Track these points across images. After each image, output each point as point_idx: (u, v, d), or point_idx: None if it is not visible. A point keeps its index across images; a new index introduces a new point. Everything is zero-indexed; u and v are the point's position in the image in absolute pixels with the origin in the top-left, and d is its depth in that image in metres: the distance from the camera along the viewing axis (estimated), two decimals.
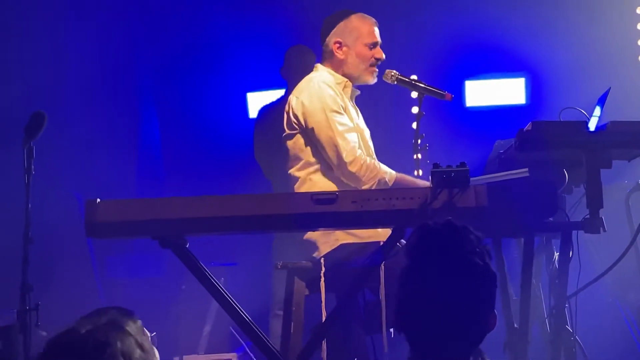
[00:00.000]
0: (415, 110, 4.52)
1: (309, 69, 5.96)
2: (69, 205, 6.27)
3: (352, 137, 4.23)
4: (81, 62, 6.79)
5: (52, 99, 6.42)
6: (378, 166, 4.22)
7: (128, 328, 2.38)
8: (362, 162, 4.19)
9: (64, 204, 6.26)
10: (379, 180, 4.19)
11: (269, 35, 7.02)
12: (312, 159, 4.26)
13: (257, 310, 5.84)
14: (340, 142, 4.19)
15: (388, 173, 4.22)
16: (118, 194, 6.06)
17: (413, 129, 4.47)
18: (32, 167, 3.90)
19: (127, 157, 6.91)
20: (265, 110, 6.31)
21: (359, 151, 4.23)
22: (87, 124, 6.73)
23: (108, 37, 6.89)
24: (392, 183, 4.21)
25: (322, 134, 4.20)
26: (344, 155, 4.17)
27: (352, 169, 4.17)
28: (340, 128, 4.20)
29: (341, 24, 4.40)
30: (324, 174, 4.25)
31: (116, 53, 6.94)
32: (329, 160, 4.22)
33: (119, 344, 2.32)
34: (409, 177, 4.29)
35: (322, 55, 4.47)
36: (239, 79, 7.30)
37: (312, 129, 4.22)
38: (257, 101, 6.96)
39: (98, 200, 3.16)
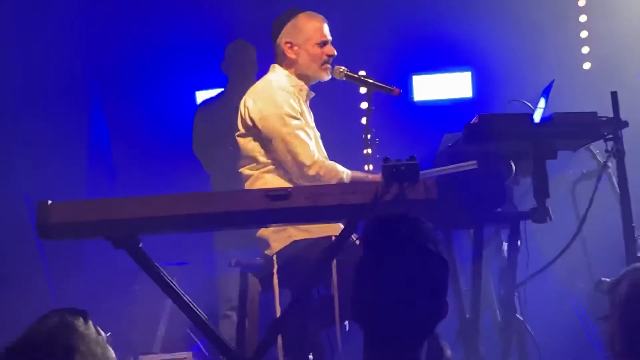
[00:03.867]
0: (364, 105, 4.56)
1: (249, 64, 6.02)
2: (18, 206, 6.20)
3: (310, 141, 4.26)
4: (28, 63, 6.71)
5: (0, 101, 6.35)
6: (336, 167, 4.26)
7: (82, 329, 2.39)
8: (320, 164, 4.22)
9: (11, 203, 6.19)
10: (339, 181, 4.23)
11: (217, 34, 7.01)
12: (266, 160, 4.28)
13: (213, 309, 5.86)
14: (298, 147, 4.21)
15: (345, 172, 4.27)
16: (68, 195, 6.00)
17: (363, 124, 4.52)
18: None
19: (76, 157, 6.85)
20: (205, 105, 6.32)
21: (317, 154, 4.26)
22: (35, 125, 6.65)
23: (55, 37, 6.82)
24: (348, 181, 4.25)
25: (279, 140, 4.22)
26: (303, 160, 4.20)
27: (312, 172, 4.20)
28: (297, 132, 4.23)
29: (289, 24, 4.42)
30: (277, 174, 4.26)
31: (63, 52, 6.86)
32: (286, 166, 4.23)
33: (74, 345, 2.33)
34: (361, 174, 4.34)
35: (274, 56, 4.48)
36: (188, 77, 7.29)
37: (269, 134, 4.24)
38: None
39: (50, 202, 3.15)
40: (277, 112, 4.24)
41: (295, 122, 4.24)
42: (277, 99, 4.26)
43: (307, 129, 4.29)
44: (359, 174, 4.33)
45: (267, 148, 4.27)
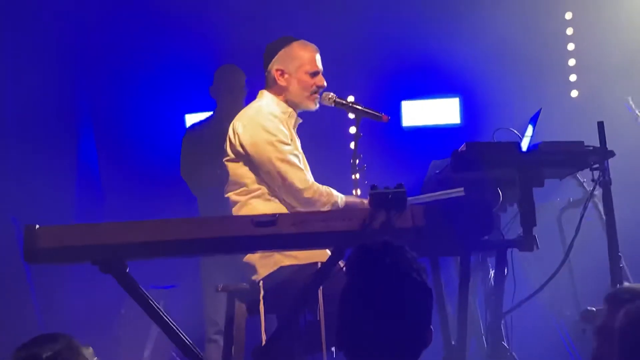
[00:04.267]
0: (353, 130, 4.58)
1: (238, 89, 6.04)
2: (5, 230, 6.19)
3: (301, 166, 4.27)
4: (18, 85, 6.72)
5: None
6: (330, 191, 4.27)
7: (84, 353, 2.42)
8: (315, 188, 4.23)
9: (0, 229, 6.18)
10: (333, 205, 4.23)
11: (208, 57, 7.03)
12: (254, 186, 4.27)
13: (200, 332, 5.85)
14: (290, 172, 4.21)
15: (340, 197, 4.27)
16: (57, 218, 6.01)
17: (351, 149, 4.53)
18: None
19: (65, 180, 6.85)
20: (193, 129, 6.32)
21: (311, 178, 4.27)
22: (24, 147, 6.65)
23: (45, 59, 6.83)
24: (342, 205, 4.26)
25: (270, 166, 4.21)
26: (297, 184, 4.20)
27: (307, 195, 4.20)
28: (289, 157, 4.23)
29: (282, 52, 4.42)
30: (264, 199, 4.26)
31: (54, 76, 6.87)
32: (280, 191, 4.23)
33: None
34: (355, 199, 4.34)
35: (265, 81, 4.49)
36: (177, 100, 7.30)
37: (260, 160, 4.23)
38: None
39: (37, 226, 3.15)
40: (268, 139, 4.24)
41: (286, 147, 4.24)
42: (267, 125, 4.27)
43: (297, 154, 4.30)
44: (353, 199, 4.33)
45: (257, 174, 4.27)
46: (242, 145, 4.27)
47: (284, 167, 4.21)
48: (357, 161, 4.44)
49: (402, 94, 7.30)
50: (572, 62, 7.22)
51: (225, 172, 4.39)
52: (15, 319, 6.01)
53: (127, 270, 3.24)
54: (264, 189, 4.26)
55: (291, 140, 4.32)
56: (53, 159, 6.64)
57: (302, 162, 4.32)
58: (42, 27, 6.81)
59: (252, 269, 4.19)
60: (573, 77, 7.21)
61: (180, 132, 6.40)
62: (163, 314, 3.31)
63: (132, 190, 6.93)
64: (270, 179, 4.23)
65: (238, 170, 4.30)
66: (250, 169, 4.27)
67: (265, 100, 4.41)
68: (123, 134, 7.24)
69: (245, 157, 4.27)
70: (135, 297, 3.26)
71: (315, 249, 3.79)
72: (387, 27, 7.09)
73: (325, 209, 4.20)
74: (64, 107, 7.04)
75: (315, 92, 4.41)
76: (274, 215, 3.23)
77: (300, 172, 4.23)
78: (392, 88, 7.24)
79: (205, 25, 7.12)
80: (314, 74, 4.41)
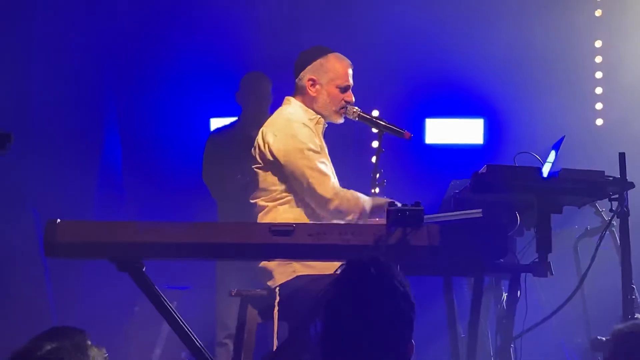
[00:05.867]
0: (375, 144, 4.59)
1: (263, 96, 6.06)
2: (26, 223, 6.25)
3: (330, 174, 4.29)
4: (46, 81, 6.79)
5: (16, 116, 6.41)
6: (357, 196, 4.28)
7: (91, 351, 2.43)
8: (342, 196, 4.24)
9: (21, 221, 6.24)
10: (361, 211, 4.24)
11: (234, 62, 7.08)
12: (282, 194, 4.29)
13: (211, 335, 5.88)
14: (319, 181, 4.23)
15: (366, 201, 4.27)
16: (77, 213, 6.06)
17: (373, 162, 4.54)
18: None
19: (88, 177, 6.90)
20: (216, 133, 6.35)
21: (338, 186, 4.29)
22: (49, 143, 6.72)
23: (74, 56, 6.90)
24: (369, 209, 4.26)
25: (300, 175, 4.23)
26: (324, 194, 4.22)
27: (333, 205, 4.21)
28: (319, 166, 4.25)
29: (317, 62, 4.43)
30: (290, 206, 4.28)
31: (82, 74, 6.95)
32: (307, 199, 4.25)
33: None
34: (381, 200, 4.31)
35: (294, 88, 4.50)
36: (204, 104, 7.35)
37: (291, 168, 4.24)
38: None
39: (58, 220, 3.19)
40: (298, 147, 4.26)
41: (316, 156, 4.27)
42: (298, 134, 4.28)
43: (326, 162, 4.32)
44: (379, 201, 4.31)
45: (286, 182, 4.28)
46: (272, 154, 4.28)
47: (314, 176, 4.22)
48: (378, 175, 4.45)
49: (427, 112, 7.33)
50: (599, 90, 7.21)
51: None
52: (31, 311, 6.06)
53: (144, 270, 3.27)
54: (290, 197, 4.28)
55: (320, 147, 4.34)
56: (77, 156, 6.70)
57: (329, 168, 4.34)
58: (73, 30, 6.88)
59: (269, 275, 4.20)
60: (599, 106, 7.21)
61: (205, 136, 6.44)
62: (176, 315, 3.35)
63: (153, 190, 6.98)
64: (300, 187, 4.25)
65: (267, 178, 4.31)
66: (280, 178, 4.29)
67: (293, 108, 4.42)
68: (148, 134, 7.29)
69: (275, 166, 4.29)
70: (150, 297, 3.29)
71: (329, 261, 3.81)
72: (418, 45, 7.11)
73: (352, 216, 4.22)
74: (91, 106, 7.11)
75: (342, 107, 4.42)
76: (291, 224, 3.26)
77: (327, 181, 4.24)
78: (417, 105, 7.26)
79: (234, 32, 7.17)
80: (345, 89, 4.42)
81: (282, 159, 4.26)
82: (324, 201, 4.22)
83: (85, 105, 6.98)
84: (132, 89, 7.35)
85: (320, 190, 4.22)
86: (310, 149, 4.25)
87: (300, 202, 4.28)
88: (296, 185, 4.26)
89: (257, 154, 4.35)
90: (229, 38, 7.16)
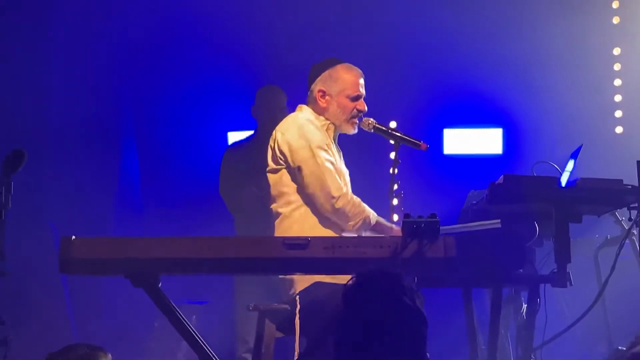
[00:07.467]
0: (393, 155, 4.57)
1: (278, 109, 6.06)
2: (45, 237, 6.27)
3: (337, 175, 4.28)
4: (64, 98, 6.83)
5: (34, 133, 6.44)
6: (363, 205, 4.27)
7: None
8: (348, 198, 4.23)
9: (40, 235, 6.26)
10: (364, 219, 4.23)
11: (252, 75, 7.09)
12: (295, 196, 4.28)
13: (230, 349, 5.87)
14: (327, 178, 4.21)
15: (372, 214, 4.26)
16: (94, 229, 6.08)
17: (390, 173, 4.52)
18: (10, 201, 3.92)
19: (106, 191, 6.93)
20: (233, 148, 6.36)
21: (345, 188, 4.27)
22: (67, 157, 6.75)
23: (92, 75, 6.94)
24: (373, 223, 4.25)
25: (307, 171, 4.22)
26: (331, 191, 4.20)
27: (339, 204, 4.20)
28: (327, 164, 4.24)
29: (326, 73, 4.44)
30: (307, 212, 4.27)
31: (99, 91, 6.99)
32: (314, 197, 4.22)
33: None
34: (386, 223, 4.32)
35: (307, 98, 4.51)
36: (221, 118, 7.36)
37: (299, 165, 4.24)
38: None
39: (73, 237, 3.19)
40: (306, 144, 4.26)
41: (323, 154, 4.26)
42: (305, 131, 4.29)
43: (335, 162, 4.31)
44: (385, 224, 4.30)
45: (296, 181, 4.28)
46: (281, 151, 4.28)
47: (320, 172, 4.21)
48: (395, 187, 4.43)
49: (445, 122, 7.31)
50: (618, 98, 7.17)
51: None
52: (51, 328, 6.07)
53: (159, 285, 3.27)
54: (304, 201, 4.27)
55: (328, 146, 4.32)
56: (96, 170, 6.73)
57: (336, 171, 4.31)
58: (91, 42, 6.93)
59: (289, 284, 4.18)
60: (619, 114, 7.16)
61: (222, 150, 6.44)
62: (192, 330, 3.34)
63: (170, 205, 6.99)
64: (306, 184, 4.23)
65: (280, 180, 4.31)
66: (291, 178, 4.28)
67: (304, 113, 4.44)
68: (165, 148, 7.32)
69: (285, 164, 4.29)
70: (166, 312, 3.29)
71: (345, 274, 3.79)
72: (435, 55, 7.10)
73: (355, 221, 4.20)
74: (109, 121, 7.14)
75: (354, 117, 4.42)
76: (306, 238, 3.24)
77: (334, 179, 4.23)
78: (435, 115, 7.25)
79: (251, 46, 7.19)
80: (355, 98, 4.42)
81: (289, 156, 4.26)
82: (329, 198, 4.19)
83: (103, 120, 7.02)
84: (149, 104, 7.38)
85: (326, 187, 4.20)
86: (318, 146, 4.25)
87: (312, 204, 4.26)
88: (303, 181, 4.22)
89: (269, 157, 4.36)
90: (246, 52, 7.17)
